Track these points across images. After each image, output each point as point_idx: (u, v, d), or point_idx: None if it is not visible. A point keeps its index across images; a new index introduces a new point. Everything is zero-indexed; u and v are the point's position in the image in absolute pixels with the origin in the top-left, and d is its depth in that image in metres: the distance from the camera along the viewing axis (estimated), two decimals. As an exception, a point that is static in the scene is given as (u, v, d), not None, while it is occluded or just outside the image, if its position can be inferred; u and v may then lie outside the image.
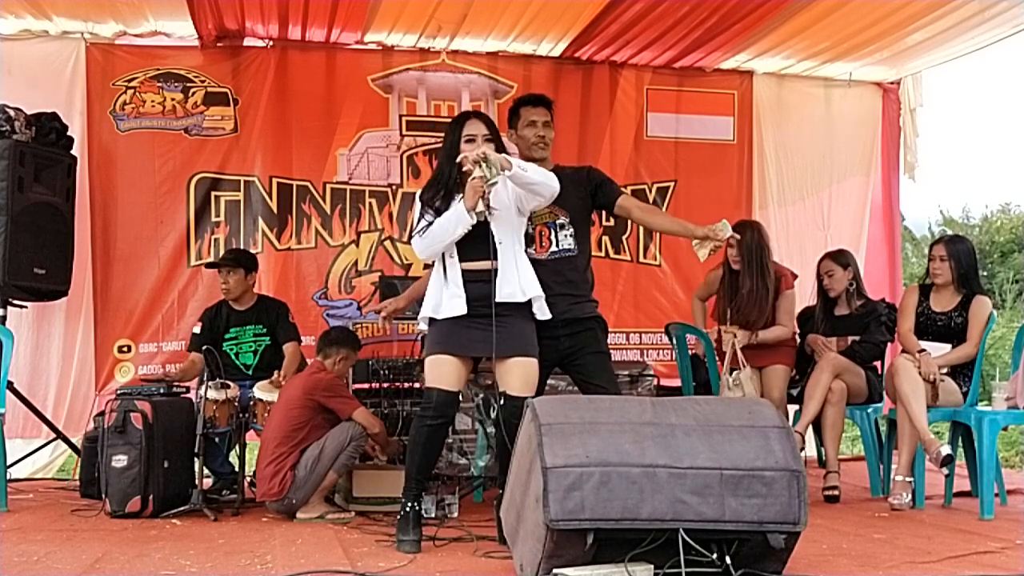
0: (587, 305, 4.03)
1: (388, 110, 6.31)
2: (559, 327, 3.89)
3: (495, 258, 3.68)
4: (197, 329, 5.27)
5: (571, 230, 4.01)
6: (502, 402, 3.76)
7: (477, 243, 3.68)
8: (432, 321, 3.75)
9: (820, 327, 5.29)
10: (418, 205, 3.81)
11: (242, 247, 5.92)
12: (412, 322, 5.57)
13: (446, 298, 3.71)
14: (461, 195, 3.67)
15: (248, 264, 5.35)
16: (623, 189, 4.06)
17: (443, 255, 3.75)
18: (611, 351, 4.20)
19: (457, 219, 3.64)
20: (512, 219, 3.75)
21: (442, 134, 4.00)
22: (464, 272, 3.70)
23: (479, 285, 3.68)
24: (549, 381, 4.25)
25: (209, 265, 5.40)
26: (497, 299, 3.66)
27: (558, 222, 4.01)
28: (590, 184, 4.07)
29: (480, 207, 3.59)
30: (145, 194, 5.98)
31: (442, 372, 3.71)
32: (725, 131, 6.77)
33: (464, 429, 5.10)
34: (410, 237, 3.83)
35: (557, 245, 3.99)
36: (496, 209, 3.64)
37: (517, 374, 3.71)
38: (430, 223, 3.70)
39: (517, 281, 3.70)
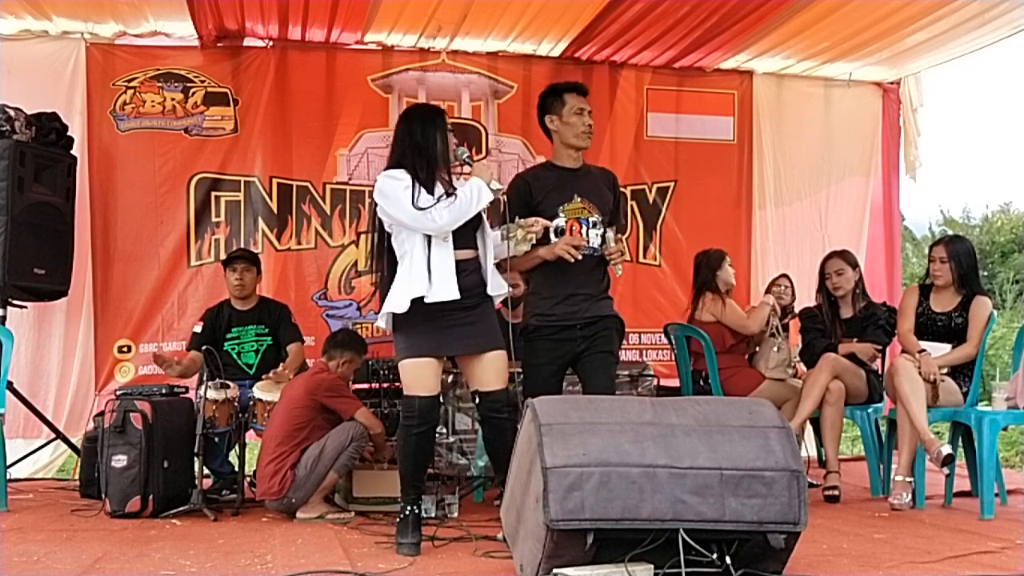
0: (604, 303, 4.02)
1: (388, 110, 6.31)
2: (578, 328, 3.91)
3: (481, 246, 3.75)
4: (198, 328, 5.27)
5: (601, 229, 3.97)
6: (477, 401, 3.76)
7: (463, 230, 3.69)
8: (408, 315, 3.59)
9: (830, 330, 5.28)
10: (402, 181, 3.62)
11: (243, 247, 5.92)
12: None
13: (435, 281, 3.58)
14: (439, 184, 3.71)
15: (258, 264, 5.40)
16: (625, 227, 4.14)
17: (428, 239, 3.62)
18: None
19: (479, 192, 3.64)
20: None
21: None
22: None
23: (464, 275, 3.67)
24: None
25: (226, 262, 5.39)
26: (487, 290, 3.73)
27: (591, 219, 3.97)
28: (613, 193, 4.12)
29: (494, 184, 3.69)
30: (145, 194, 5.98)
31: (422, 376, 3.65)
32: (725, 131, 6.78)
33: (464, 429, 5.10)
34: (415, 206, 3.57)
35: (588, 243, 3.94)
36: (501, 188, 3.73)
37: (491, 369, 3.72)
38: (449, 195, 3.63)
39: (492, 272, 3.75)
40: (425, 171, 3.68)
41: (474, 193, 3.64)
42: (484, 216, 3.77)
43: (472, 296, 3.69)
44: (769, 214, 6.79)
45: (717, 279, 5.47)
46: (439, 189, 3.68)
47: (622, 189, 6.41)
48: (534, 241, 3.77)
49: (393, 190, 3.64)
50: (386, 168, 3.77)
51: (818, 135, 6.89)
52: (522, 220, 3.78)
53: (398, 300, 3.62)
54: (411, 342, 3.66)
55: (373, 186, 6.10)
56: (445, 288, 3.60)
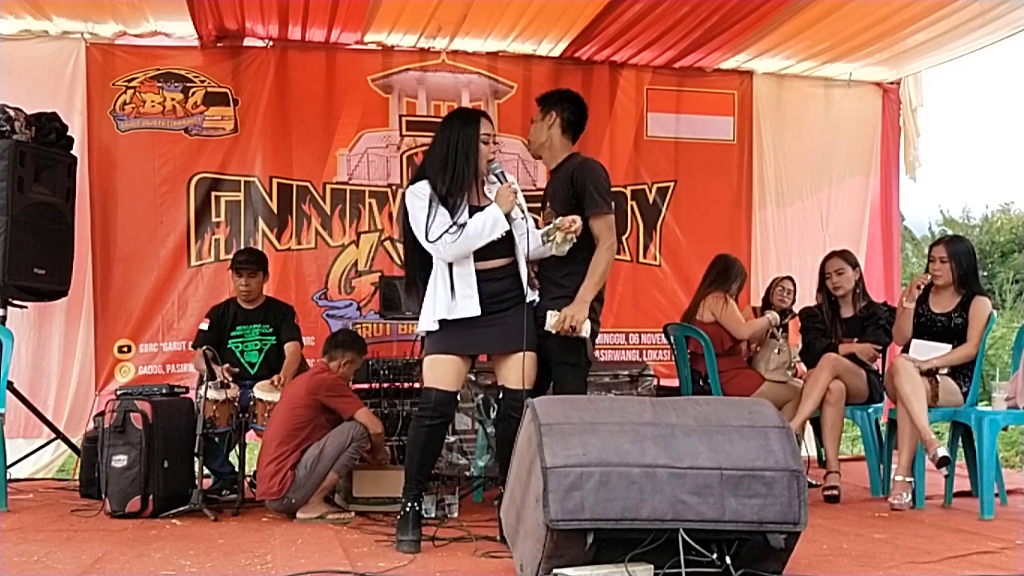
0: (561, 302, 3.83)
1: (388, 110, 6.31)
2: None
3: (515, 255, 3.77)
4: (204, 326, 5.28)
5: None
6: (501, 396, 3.79)
7: (495, 242, 3.69)
8: (440, 323, 3.69)
9: (830, 330, 5.28)
10: (419, 200, 3.68)
11: (243, 247, 5.93)
12: (412, 322, 5.59)
13: (458, 299, 3.66)
14: (467, 193, 3.70)
15: (264, 266, 5.39)
16: (597, 209, 3.79)
17: None
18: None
19: (494, 223, 3.64)
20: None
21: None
22: (479, 272, 3.69)
23: (494, 283, 3.70)
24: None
25: (233, 266, 5.39)
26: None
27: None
28: (573, 186, 3.86)
29: (516, 213, 3.67)
30: (145, 194, 5.98)
31: (442, 372, 3.72)
32: (725, 131, 6.77)
33: (464, 429, 5.10)
34: (427, 236, 3.63)
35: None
36: (524, 216, 3.73)
37: (515, 369, 3.74)
38: (460, 224, 3.61)
39: (526, 280, 3.78)
40: (448, 187, 3.68)
41: (486, 226, 3.64)
42: (527, 225, 3.77)
43: (504, 300, 3.72)
44: (770, 214, 6.79)
45: (730, 288, 5.46)
46: (463, 206, 3.68)
47: (622, 188, 6.45)
48: (574, 241, 3.72)
49: (413, 209, 3.72)
50: (418, 169, 3.84)
51: (818, 135, 6.88)
52: (558, 221, 3.74)
53: (425, 322, 3.75)
54: (439, 339, 3.74)
55: (374, 186, 6.24)
56: (467, 305, 3.66)
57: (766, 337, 5.37)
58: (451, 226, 3.62)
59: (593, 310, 3.79)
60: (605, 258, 3.79)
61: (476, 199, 3.76)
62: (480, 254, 3.70)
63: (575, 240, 3.73)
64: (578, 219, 3.73)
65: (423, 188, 3.71)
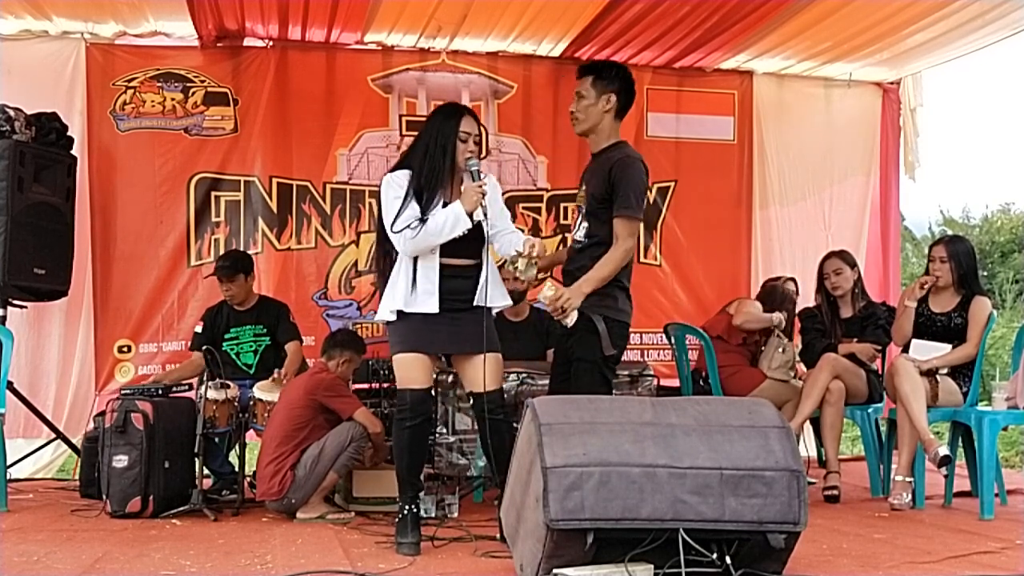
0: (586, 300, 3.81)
1: (388, 110, 6.31)
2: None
3: (484, 257, 3.73)
4: (199, 328, 5.30)
5: (586, 222, 3.87)
6: (471, 402, 3.77)
7: (461, 239, 3.66)
8: (399, 315, 3.66)
9: (829, 330, 5.29)
10: (394, 190, 3.67)
11: (242, 247, 5.94)
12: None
13: (418, 293, 3.64)
14: (444, 189, 3.69)
15: (246, 268, 5.36)
16: (626, 210, 3.70)
17: None
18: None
19: (455, 221, 3.60)
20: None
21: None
22: (443, 267, 3.66)
23: (457, 280, 3.68)
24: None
25: (209, 275, 5.41)
26: (477, 302, 3.69)
27: (584, 210, 3.90)
28: (609, 179, 3.73)
29: (478, 214, 3.62)
30: (145, 194, 5.97)
31: (412, 371, 3.69)
32: (725, 131, 6.77)
33: (464, 429, 5.09)
34: (392, 226, 3.62)
35: (577, 234, 3.92)
36: (488, 218, 3.65)
37: (480, 372, 3.71)
38: (421, 219, 3.60)
39: (492, 284, 3.72)
40: (425, 179, 3.67)
41: (447, 223, 3.60)
42: (487, 230, 3.68)
43: (463, 299, 3.69)
44: (772, 213, 6.78)
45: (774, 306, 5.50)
46: (437, 202, 3.67)
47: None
48: (538, 264, 3.66)
49: (385, 197, 3.70)
50: (400, 159, 3.83)
51: (819, 135, 6.87)
52: (520, 248, 3.64)
53: (383, 311, 3.74)
54: (402, 337, 3.71)
55: (374, 186, 6.23)
56: (426, 301, 3.64)
57: (772, 336, 5.37)
58: (414, 220, 3.60)
59: (614, 299, 3.77)
60: (616, 258, 3.70)
61: (451, 196, 3.72)
62: (448, 250, 3.66)
63: (538, 263, 3.67)
64: (537, 242, 3.65)
65: (403, 178, 3.70)
